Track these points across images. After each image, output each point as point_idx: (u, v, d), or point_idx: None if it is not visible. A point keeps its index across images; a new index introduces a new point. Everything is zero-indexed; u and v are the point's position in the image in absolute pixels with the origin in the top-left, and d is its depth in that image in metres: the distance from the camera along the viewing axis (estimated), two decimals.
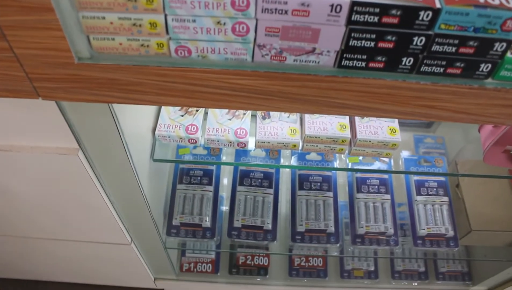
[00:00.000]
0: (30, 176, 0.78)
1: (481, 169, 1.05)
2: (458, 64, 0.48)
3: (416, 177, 1.11)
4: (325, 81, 0.50)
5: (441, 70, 0.49)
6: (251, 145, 0.88)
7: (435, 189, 1.09)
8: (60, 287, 1.44)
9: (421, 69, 0.49)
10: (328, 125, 0.85)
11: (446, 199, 1.09)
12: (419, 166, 1.12)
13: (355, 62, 0.48)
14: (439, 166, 1.08)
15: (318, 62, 0.48)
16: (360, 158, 1.06)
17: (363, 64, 0.48)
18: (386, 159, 1.09)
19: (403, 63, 0.48)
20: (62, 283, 1.44)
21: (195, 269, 1.27)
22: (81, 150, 0.71)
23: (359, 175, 1.09)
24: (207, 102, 0.54)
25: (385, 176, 1.10)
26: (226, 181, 1.17)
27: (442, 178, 1.11)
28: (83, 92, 0.54)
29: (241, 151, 1.07)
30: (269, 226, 1.02)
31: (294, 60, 0.49)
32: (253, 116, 0.90)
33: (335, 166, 1.12)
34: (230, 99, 0.53)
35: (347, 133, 0.84)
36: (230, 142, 0.86)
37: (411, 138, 1.31)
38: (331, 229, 1.03)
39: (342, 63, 0.48)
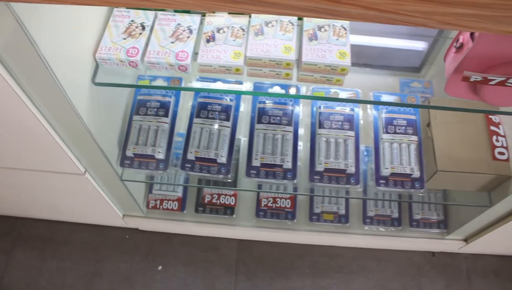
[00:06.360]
0: None
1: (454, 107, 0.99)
2: None
3: (385, 115, 1.05)
4: None
5: None
6: (194, 71, 0.84)
7: (403, 127, 1.03)
8: (39, 224, 1.46)
9: None
10: (272, 47, 0.79)
11: (415, 138, 1.02)
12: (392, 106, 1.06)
13: None
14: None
15: None
16: (332, 91, 1.01)
17: None
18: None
19: None
20: (41, 220, 1.46)
21: (161, 206, 1.26)
22: (1, 64, 0.68)
23: (322, 110, 1.04)
24: None
25: (351, 112, 1.04)
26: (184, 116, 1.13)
27: (413, 117, 1.05)
28: None
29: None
30: (223, 159, 0.99)
31: None
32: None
33: (299, 102, 1.07)
34: None
35: (291, 56, 0.78)
36: (171, 65, 0.82)
37: (398, 82, 1.25)
38: (288, 164, 0.99)
39: None
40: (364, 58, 1.37)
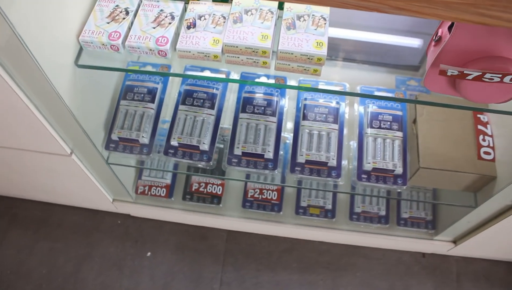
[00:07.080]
0: None
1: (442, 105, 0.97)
2: None
3: (371, 110, 1.04)
4: None
5: None
6: (174, 57, 0.85)
7: (389, 123, 1.02)
8: (35, 206, 1.49)
9: None
10: (249, 35, 0.80)
11: (400, 134, 1.02)
12: (376, 99, 1.05)
13: None
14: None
15: None
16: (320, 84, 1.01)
17: None
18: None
19: None
20: (37, 202, 1.50)
21: (149, 193, 1.28)
22: None
23: (307, 102, 1.04)
24: None
25: (337, 105, 1.04)
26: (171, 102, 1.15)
27: (399, 112, 1.04)
28: None
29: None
30: (206, 147, 1.00)
31: None
32: None
33: (286, 92, 1.07)
34: None
35: (267, 44, 0.78)
36: (151, 49, 0.83)
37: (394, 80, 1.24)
38: (269, 154, 0.99)
39: None
40: (363, 55, 1.36)
